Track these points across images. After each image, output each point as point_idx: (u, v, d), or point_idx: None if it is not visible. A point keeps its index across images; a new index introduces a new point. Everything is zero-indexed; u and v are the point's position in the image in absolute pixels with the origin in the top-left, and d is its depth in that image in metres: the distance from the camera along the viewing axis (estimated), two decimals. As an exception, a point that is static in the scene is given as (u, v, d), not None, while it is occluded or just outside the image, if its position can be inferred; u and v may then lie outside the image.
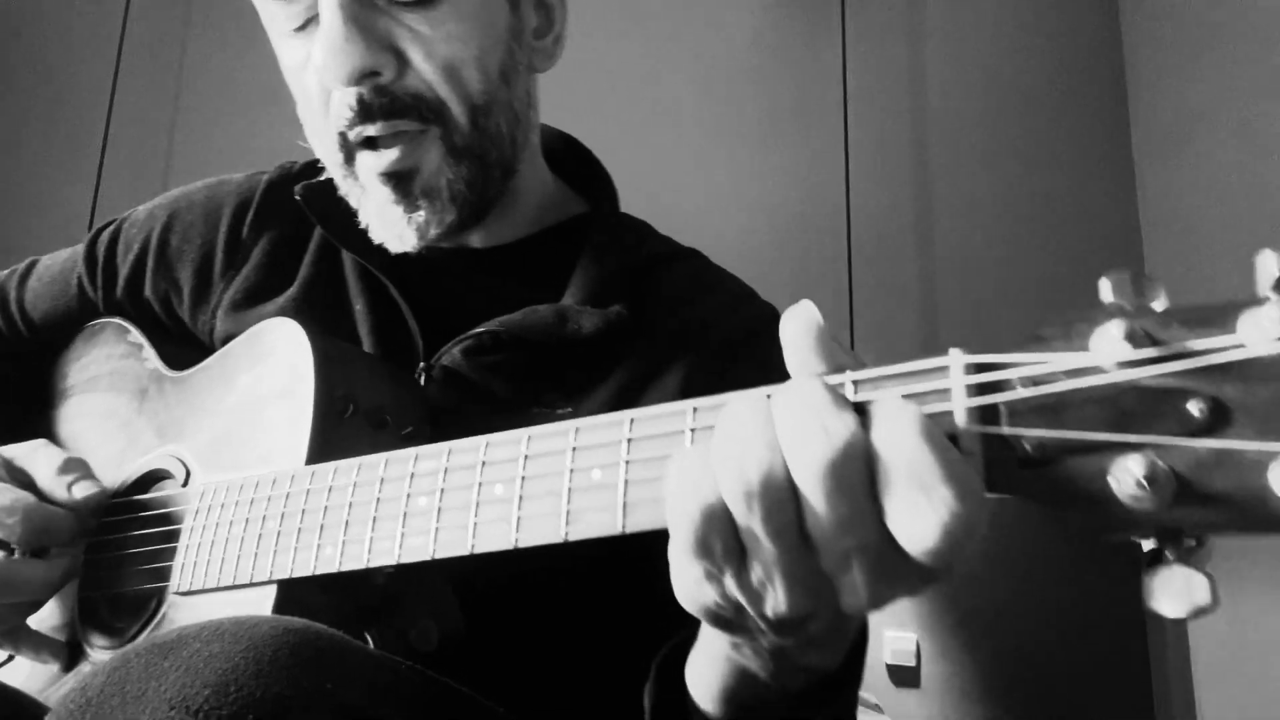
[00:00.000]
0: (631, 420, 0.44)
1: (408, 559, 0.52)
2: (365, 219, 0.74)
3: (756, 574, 0.36)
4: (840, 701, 0.50)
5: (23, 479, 0.72)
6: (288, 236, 0.83)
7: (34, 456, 0.73)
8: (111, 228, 0.89)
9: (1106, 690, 2.23)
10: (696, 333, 0.74)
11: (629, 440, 0.44)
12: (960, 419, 0.35)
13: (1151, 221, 2.34)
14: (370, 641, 0.59)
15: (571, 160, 0.88)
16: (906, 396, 0.36)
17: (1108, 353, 0.33)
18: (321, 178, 0.78)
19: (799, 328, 0.39)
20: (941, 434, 0.33)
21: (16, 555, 0.69)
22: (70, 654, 0.74)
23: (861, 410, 0.35)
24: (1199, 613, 0.31)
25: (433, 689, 0.49)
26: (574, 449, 0.46)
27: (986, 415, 0.35)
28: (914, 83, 2.63)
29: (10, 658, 0.76)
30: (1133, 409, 0.32)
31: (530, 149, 0.79)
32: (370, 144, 0.69)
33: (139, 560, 0.70)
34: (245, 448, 0.66)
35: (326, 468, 0.58)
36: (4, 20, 2.80)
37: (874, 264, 2.47)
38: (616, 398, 0.71)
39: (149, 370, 0.81)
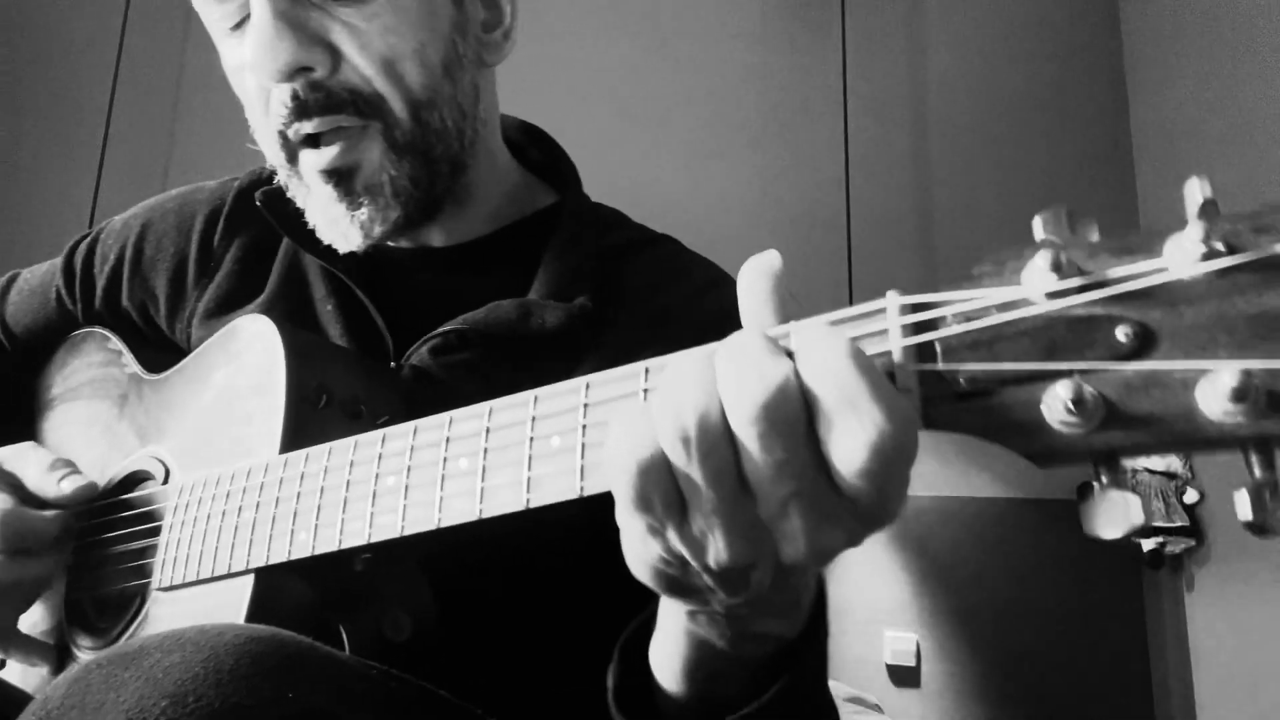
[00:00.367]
0: (587, 385, 0.45)
1: (378, 538, 0.53)
2: (311, 218, 0.73)
3: (697, 524, 0.37)
4: (801, 670, 0.49)
5: (11, 480, 0.73)
6: (257, 243, 0.83)
7: (23, 457, 0.74)
8: (88, 239, 0.89)
9: (1106, 690, 2.21)
10: (663, 322, 0.74)
11: (585, 405, 0.44)
12: (898, 357, 0.36)
13: (1151, 221, 2.35)
14: (344, 632, 0.59)
15: (535, 149, 0.88)
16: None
17: (1037, 285, 0.34)
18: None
19: (756, 274, 0.40)
20: (867, 357, 0.34)
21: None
22: (59, 657, 0.74)
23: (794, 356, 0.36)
24: (1134, 533, 0.31)
25: (406, 691, 0.49)
26: (534, 418, 0.47)
27: (923, 353, 0.36)
28: (914, 83, 2.65)
29: (2, 663, 0.77)
30: (1062, 338, 0.33)
31: (484, 144, 0.78)
32: (312, 142, 0.69)
33: (122, 560, 0.71)
34: (222, 443, 0.67)
35: (299, 455, 0.59)
36: (4, 20, 2.82)
37: (874, 264, 2.48)
38: None
39: (129, 375, 0.81)
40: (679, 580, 0.40)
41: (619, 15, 2.72)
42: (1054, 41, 2.62)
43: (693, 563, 0.38)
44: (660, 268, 0.80)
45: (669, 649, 0.51)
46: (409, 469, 0.52)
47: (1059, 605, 2.27)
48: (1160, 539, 2.18)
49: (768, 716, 0.48)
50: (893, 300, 0.36)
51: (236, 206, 0.84)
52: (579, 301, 0.73)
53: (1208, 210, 0.32)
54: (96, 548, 0.73)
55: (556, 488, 0.45)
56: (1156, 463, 2.18)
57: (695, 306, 0.76)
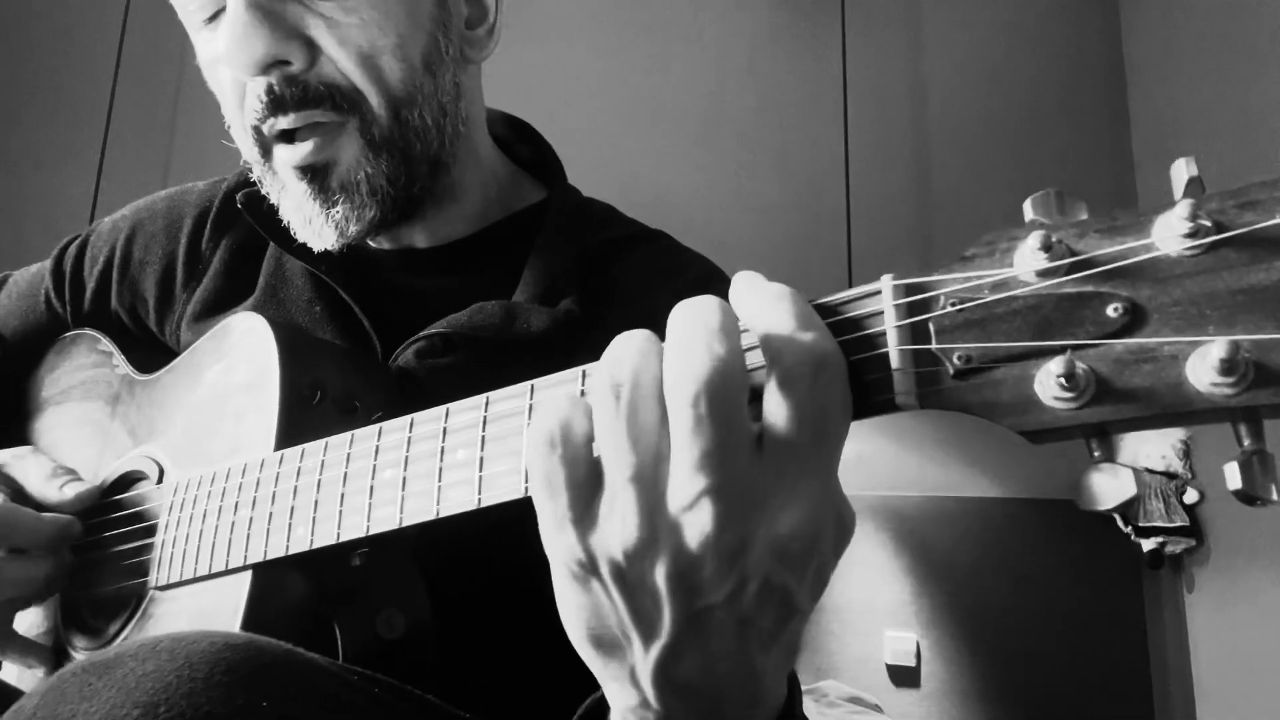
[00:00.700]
0: (584, 373, 0.45)
1: (376, 529, 0.53)
2: (285, 216, 0.71)
3: (606, 501, 0.37)
4: None
5: (13, 485, 0.73)
6: (244, 244, 0.81)
7: (23, 463, 0.74)
8: (78, 241, 0.89)
9: (1106, 690, 2.21)
10: (654, 320, 0.73)
11: (582, 392, 0.45)
12: (893, 338, 0.36)
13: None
14: (337, 630, 0.59)
15: (521, 145, 0.86)
16: (842, 321, 0.37)
17: (1028, 265, 0.34)
18: None
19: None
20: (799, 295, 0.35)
21: None
22: (55, 658, 0.74)
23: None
24: (1127, 503, 0.32)
25: (390, 696, 0.48)
26: (531, 407, 0.47)
27: (918, 334, 0.36)
28: (914, 82, 2.65)
29: None
30: (1054, 316, 0.33)
31: (467, 142, 0.76)
32: (287, 138, 0.67)
33: (118, 560, 0.70)
34: (216, 441, 0.67)
35: (294, 451, 0.59)
36: (4, 20, 2.83)
37: (873, 258, 2.48)
38: None
39: (120, 376, 0.81)
40: (596, 610, 0.39)
41: (620, 15, 2.73)
42: (1054, 36, 2.62)
43: (600, 561, 0.37)
44: (651, 265, 0.79)
45: None
46: (406, 461, 0.52)
47: (1059, 605, 2.27)
48: (1160, 539, 2.18)
49: None
50: (887, 283, 0.37)
51: (223, 208, 0.83)
52: (564, 306, 0.71)
53: (1194, 188, 0.32)
54: (91, 548, 0.73)
55: (554, 476, 0.45)
56: (1157, 462, 2.17)
57: None
